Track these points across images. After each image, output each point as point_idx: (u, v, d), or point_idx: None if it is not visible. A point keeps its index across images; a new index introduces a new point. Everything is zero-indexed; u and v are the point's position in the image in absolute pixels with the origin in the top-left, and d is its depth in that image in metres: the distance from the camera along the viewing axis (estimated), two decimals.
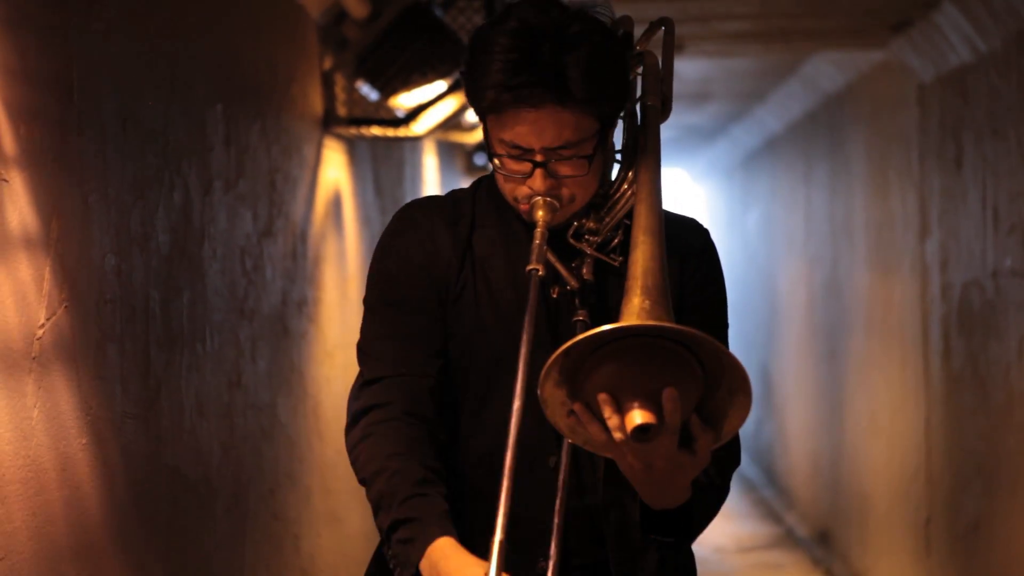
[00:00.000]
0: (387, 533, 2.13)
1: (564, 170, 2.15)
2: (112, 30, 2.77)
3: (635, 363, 1.95)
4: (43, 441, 2.42)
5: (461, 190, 2.36)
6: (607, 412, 1.95)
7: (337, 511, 4.79)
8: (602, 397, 1.95)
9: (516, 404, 2.01)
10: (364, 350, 2.27)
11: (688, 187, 16.08)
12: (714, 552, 8.64)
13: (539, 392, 1.96)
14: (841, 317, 8.08)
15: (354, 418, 2.24)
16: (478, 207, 2.30)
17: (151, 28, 3.03)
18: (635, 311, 1.97)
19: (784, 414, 10.26)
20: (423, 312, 2.24)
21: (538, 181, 2.15)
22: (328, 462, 4.60)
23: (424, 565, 2.08)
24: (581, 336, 1.92)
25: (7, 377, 2.29)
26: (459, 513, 2.20)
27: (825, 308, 8.61)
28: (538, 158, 2.13)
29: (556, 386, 1.97)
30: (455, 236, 2.26)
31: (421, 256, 2.26)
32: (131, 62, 2.89)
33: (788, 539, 9.34)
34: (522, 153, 2.14)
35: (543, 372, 1.94)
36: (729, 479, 2.24)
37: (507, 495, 1.96)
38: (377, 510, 2.16)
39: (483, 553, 1.99)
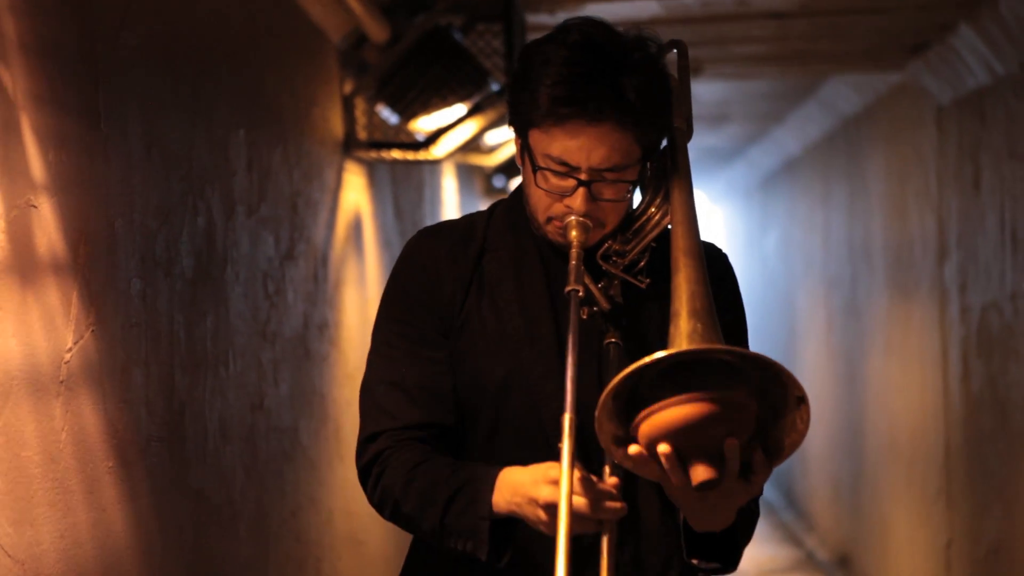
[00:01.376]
0: (442, 518, 2.14)
1: (606, 193, 2.15)
2: (137, 57, 2.80)
3: (693, 398, 1.93)
4: (70, 464, 2.44)
5: (477, 214, 2.36)
6: (668, 466, 1.95)
7: (358, 534, 4.81)
8: (663, 453, 1.94)
9: (567, 416, 1.99)
10: (369, 393, 2.28)
11: (706, 209, 16.09)
12: None
13: (596, 416, 1.95)
14: (860, 339, 8.07)
15: (365, 471, 2.25)
16: (491, 230, 2.30)
17: (175, 54, 3.07)
18: (686, 334, 1.96)
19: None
20: (428, 357, 2.24)
21: (578, 200, 2.15)
22: (349, 484, 4.61)
23: (498, 499, 2.10)
24: (643, 362, 1.91)
25: (36, 400, 2.32)
26: (459, 559, 2.20)
27: (844, 330, 8.61)
28: (583, 177, 2.13)
29: (610, 415, 1.96)
30: (463, 263, 2.27)
31: (424, 294, 2.26)
32: (156, 88, 2.92)
33: (808, 563, 9.32)
34: (568, 171, 2.14)
35: (600, 402, 1.93)
36: (758, 502, 2.25)
37: (567, 506, 1.95)
38: (422, 512, 2.16)
39: None
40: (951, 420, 6.06)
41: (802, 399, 1.95)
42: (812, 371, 9.82)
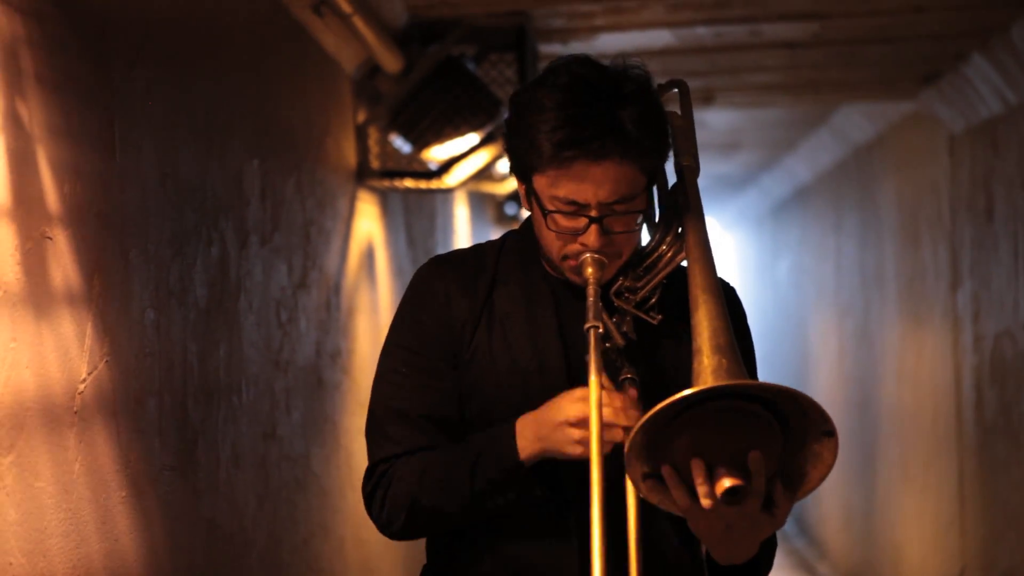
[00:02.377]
0: (471, 486, 2.16)
1: (617, 226, 2.16)
2: (152, 88, 2.82)
3: (716, 425, 1.96)
4: (84, 494, 2.45)
5: (488, 244, 2.37)
6: (699, 479, 1.97)
7: (370, 561, 4.80)
8: (694, 463, 1.97)
9: (596, 449, 2.01)
10: (375, 421, 2.30)
11: (718, 236, 16.09)
12: None
13: (626, 452, 1.96)
14: (872, 367, 8.06)
15: (370, 497, 2.28)
16: (502, 262, 2.31)
17: (190, 85, 3.08)
18: (711, 370, 1.97)
19: None
20: (434, 386, 2.25)
21: (592, 237, 2.15)
22: (361, 512, 4.60)
23: (522, 443, 2.14)
24: (671, 400, 1.92)
25: (50, 431, 2.33)
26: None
27: (856, 358, 8.60)
28: (593, 213, 2.14)
29: (638, 453, 1.97)
30: (473, 294, 2.28)
31: (434, 323, 2.27)
32: (170, 119, 2.93)
33: None
34: (577, 209, 2.15)
35: (629, 437, 1.95)
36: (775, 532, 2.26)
37: (601, 544, 1.97)
38: (448, 491, 2.18)
39: None
40: (964, 448, 6.05)
41: (830, 433, 1.96)
42: (824, 397, 9.80)
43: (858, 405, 8.49)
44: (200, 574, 3.08)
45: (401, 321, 2.31)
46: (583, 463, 2.05)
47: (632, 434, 1.94)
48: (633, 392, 2.11)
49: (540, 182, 2.16)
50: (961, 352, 6.06)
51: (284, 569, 3.74)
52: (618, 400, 2.07)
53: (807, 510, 10.70)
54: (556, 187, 2.14)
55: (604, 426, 2.04)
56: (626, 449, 1.96)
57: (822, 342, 9.93)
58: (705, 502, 1.97)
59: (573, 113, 2.11)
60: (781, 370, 11.56)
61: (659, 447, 1.98)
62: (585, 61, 2.17)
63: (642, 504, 2.08)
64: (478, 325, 2.26)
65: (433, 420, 2.24)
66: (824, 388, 9.80)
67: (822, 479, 2.00)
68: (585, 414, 2.06)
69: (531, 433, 2.13)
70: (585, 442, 2.06)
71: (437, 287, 2.29)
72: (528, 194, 2.21)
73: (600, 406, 2.04)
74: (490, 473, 2.15)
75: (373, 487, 2.27)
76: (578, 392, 2.09)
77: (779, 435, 1.97)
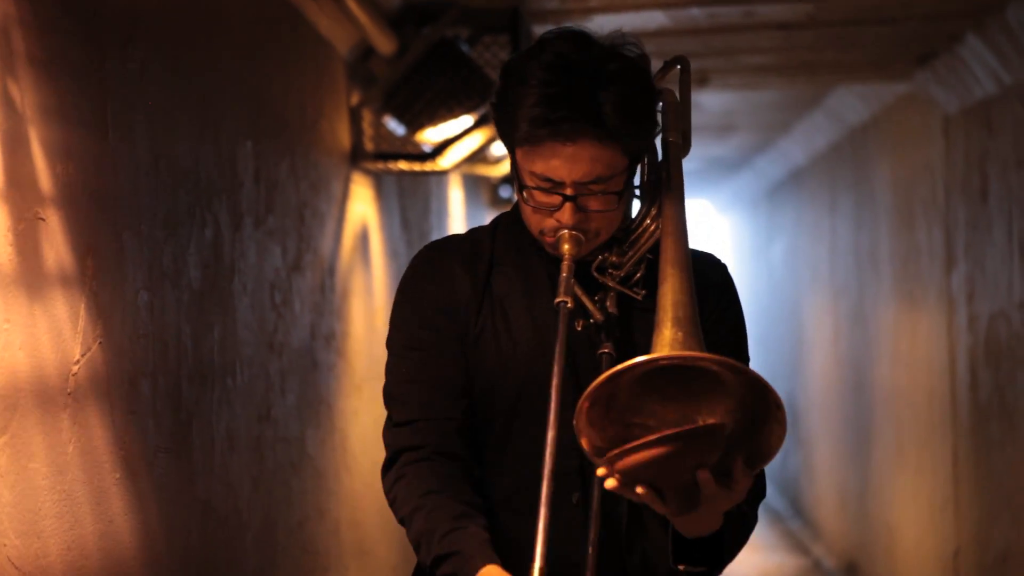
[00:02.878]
0: (430, 570, 2.15)
1: (593, 205, 2.16)
2: (145, 69, 2.81)
3: (670, 399, 1.97)
4: (78, 476, 2.45)
5: (480, 228, 2.37)
6: (647, 501, 2.00)
7: (365, 543, 4.81)
8: (640, 493, 1.99)
9: (550, 434, 2.02)
10: (391, 394, 2.30)
11: (712, 218, 16.09)
12: None
13: (575, 423, 1.97)
14: (867, 348, 8.07)
15: (389, 461, 2.27)
16: (497, 245, 2.31)
17: (183, 67, 3.08)
18: (667, 342, 1.99)
19: (810, 446, 10.23)
20: (445, 355, 2.26)
21: (567, 215, 2.16)
22: (356, 494, 4.62)
23: None
24: (623, 365, 1.94)
25: (43, 413, 2.33)
26: None
27: (851, 339, 8.60)
28: (568, 192, 2.14)
29: (590, 422, 1.99)
30: (473, 277, 2.28)
31: (441, 299, 2.27)
32: (163, 100, 2.93)
33: (815, 571, 9.31)
34: (552, 186, 2.15)
35: (580, 403, 1.96)
36: (756, 508, 2.26)
37: (544, 524, 1.98)
38: (418, 548, 2.19)
39: None
40: (959, 429, 6.06)
41: (779, 406, 1.96)
42: (819, 379, 9.81)
43: (853, 387, 8.50)
44: (195, 556, 3.08)
45: (406, 302, 2.30)
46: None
47: (580, 404, 1.96)
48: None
49: (519, 156, 2.17)
50: (955, 333, 6.06)
51: (279, 551, 3.74)
52: None
53: (802, 491, 10.72)
54: (532, 163, 2.15)
55: None
56: (575, 421, 1.97)
57: (817, 324, 9.94)
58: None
59: (550, 92, 2.10)
60: (776, 352, 11.57)
61: (618, 410, 2.00)
62: (572, 37, 2.15)
63: (628, 528, 2.12)
64: (480, 309, 2.26)
65: (445, 383, 2.25)
66: (819, 370, 9.81)
67: (775, 451, 2.01)
68: None
69: None
70: None
71: (440, 267, 2.29)
72: (512, 166, 2.22)
73: (559, 391, 2.05)
74: None
75: (395, 454, 2.25)
76: None
77: (735, 411, 1.98)
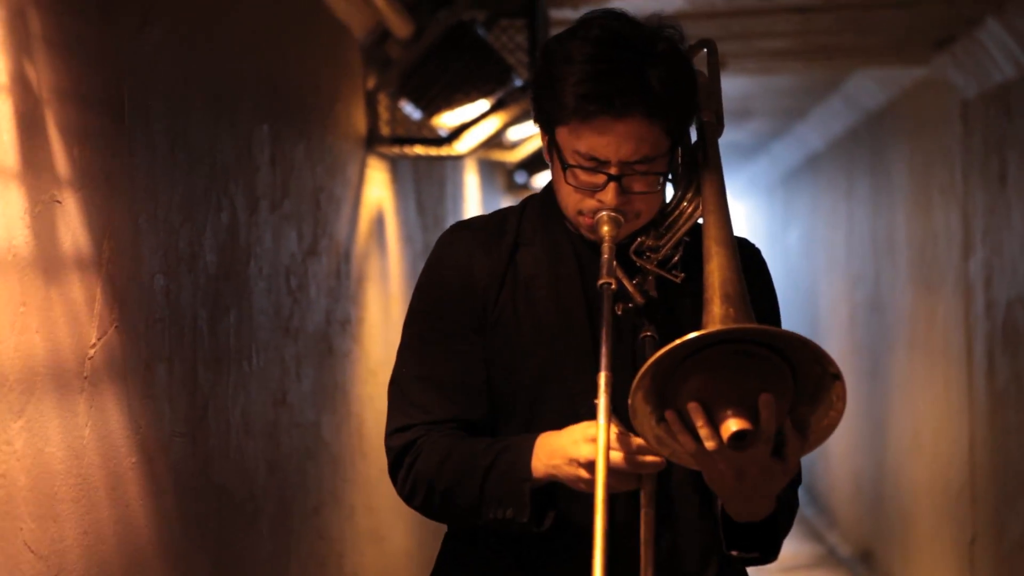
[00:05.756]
0: (482, 486, 2.13)
1: (637, 186, 2.14)
2: (161, 52, 2.80)
3: (725, 372, 1.94)
4: (94, 460, 2.44)
5: (509, 208, 2.35)
6: (699, 422, 1.95)
7: (380, 530, 4.81)
8: (692, 406, 1.94)
9: (602, 420, 1.98)
10: (399, 387, 2.26)
11: (729, 204, 16.05)
12: (756, 572, 8.59)
13: (629, 402, 1.95)
14: (883, 334, 8.04)
15: (397, 460, 2.24)
16: (524, 224, 2.29)
17: (199, 49, 3.06)
18: (719, 318, 1.96)
19: None
20: (459, 350, 2.23)
21: (610, 195, 2.13)
22: (371, 480, 4.61)
23: (536, 463, 2.10)
24: (676, 343, 1.90)
25: (60, 397, 2.32)
26: (499, 551, 2.20)
27: (867, 325, 8.58)
28: (613, 171, 2.12)
29: (645, 398, 1.96)
30: (496, 258, 2.25)
31: (458, 288, 2.24)
32: (180, 83, 2.91)
33: (830, 559, 9.30)
34: (597, 165, 2.12)
35: (635, 381, 1.92)
36: (797, 492, 2.24)
37: (604, 513, 1.94)
38: (459, 485, 2.15)
39: None
40: (976, 415, 6.03)
41: (836, 376, 1.93)
42: None
43: (869, 374, 8.48)
44: (210, 541, 3.07)
45: (424, 287, 2.29)
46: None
47: (637, 381, 1.92)
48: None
49: (562, 134, 2.14)
50: (973, 319, 6.04)
51: (294, 537, 3.73)
52: (630, 446, 2.04)
53: (817, 479, 10.70)
54: (577, 141, 2.12)
55: (613, 472, 1.99)
56: (631, 400, 1.94)
57: (833, 310, 9.92)
58: (709, 444, 1.95)
59: (601, 67, 2.09)
60: None
61: (669, 396, 1.96)
62: (619, 16, 2.15)
63: (657, 513, 2.07)
64: (502, 288, 2.24)
65: (459, 385, 2.22)
66: (835, 356, 9.72)
67: (833, 427, 1.97)
68: (594, 457, 2.00)
69: (545, 456, 2.11)
70: (592, 484, 2.01)
71: (459, 251, 2.27)
72: (550, 146, 2.19)
73: (609, 358, 2.00)
74: (500, 480, 2.13)
75: (400, 452, 2.23)
76: (592, 431, 2.04)
77: (790, 380, 1.95)
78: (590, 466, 2.03)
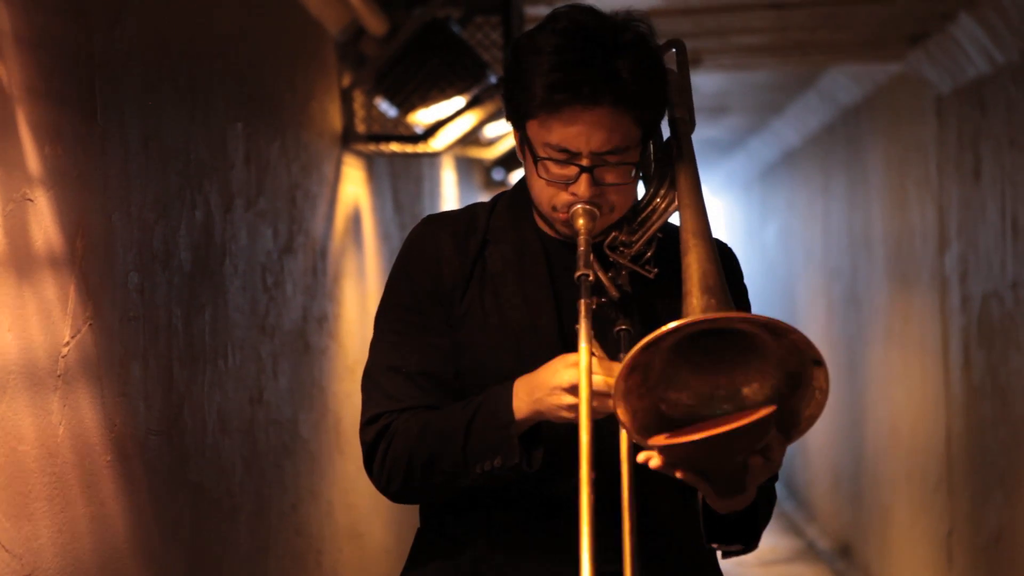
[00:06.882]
0: (465, 441, 2.14)
1: (609, 177, 2.15)
2: (134, 50, 2.79)
3: (703, 371, 1.94)
4: (68, 458, 2.44)
5: (479, 204, 2.36)
6: (691, 484, 1.98)
7: (358, 526, 4.80)
8: (682, 477, 1.97)
9: (584, 411, 1.99)
10: (372, 379, 2.28)
11: (705, 199, 16.06)
12: (735, 566, 8.61)
13: (613, 395, 1.95)
14: (860, 329, 8.07)
15: (372, 446, 2.24)
16: (494, 222, 2.30)
17: (172, 47, 3.06)
18: (699, 309, 1.96)
19: None
20: (430, 343, 2.24)
21: (583, 187, 2.14)
22: (349, 477, 4.61)
23: (518, 404, 2.12)
24: (662, 331, 1.89)
25: (33, 395, 2.31)
26: (466, 545, 2.21)
27: (844, 320, 8.60)
28: (585, 162, 2.13)
29: (628, 389, 1.94)
30: (464, 253, 2.26)
31: (427, 281, 2.25)
32: (153, 81, 2.91)
33: (809, 552, 9.32)
34: (569, 157, 2.13)
35: (620, 371, 1.92)
36: (775, 484, 2.24)
37: (589, 511, 1.94)
38: (442, 447, 2.16)
39: None
40: (952, 409, 6.06)
41: (818, 362, 1.93)
42: None
43: (846, 368, 8.50)
44: (186, 539, 3.07)
45: (395, 281, 2.30)
46: (575, 433, 2.01)
47: (619, 375, 1.92)
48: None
49: (533, 127, 2.15)
50: (949, 313, 6.06)
51: (272, 534, 3.73)
52: (612, 367, 2.05)
53: (796, 473, 10.73)
54: (548, 133, 2.13)
55: (596, 394, 2.01)
56: (613, 394, 1.93)
57: (810, 305, 9.94)
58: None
59: (569, 57, 2.10)
60: None
61: (655, 387, 1.96)
62: (587, 9, 2.16)
63: (637, 473, 2.06)
64: (469, 284, 2.25)
65: (431, 377, 2.23)
66: None
67: (816, 417, 1.97)
68: (576, 381, 2.03)
69: (526, 395, 2.12)
70: (576, 408, 2.03)
71: (429, 246, 2.28)
72: (521, 142, 2.20)
73: (590, 371, 2.01)
74: (484, 430, 2.13)
75: (374, 440, 2.23)
76: (572, 357, 2.07)
77: (772, 369, 1.95)
78: (573, 390, 2.05)
